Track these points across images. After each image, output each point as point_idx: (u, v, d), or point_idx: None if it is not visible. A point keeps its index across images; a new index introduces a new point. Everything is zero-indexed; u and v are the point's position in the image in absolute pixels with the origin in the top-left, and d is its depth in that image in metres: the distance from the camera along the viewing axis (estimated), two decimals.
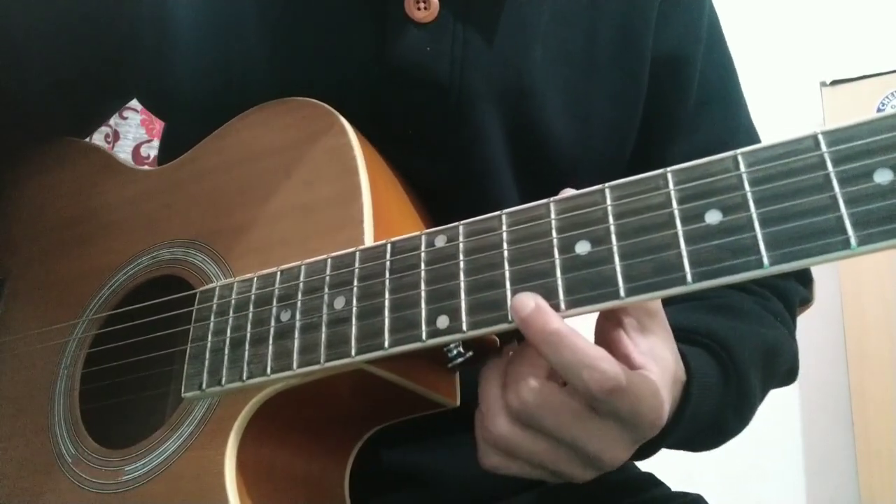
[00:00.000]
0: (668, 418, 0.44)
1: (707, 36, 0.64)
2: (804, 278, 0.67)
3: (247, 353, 0.46)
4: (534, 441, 0.41)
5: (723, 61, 0.67)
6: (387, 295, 0.43)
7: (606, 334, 0.42)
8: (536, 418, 0.41)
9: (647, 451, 0.48)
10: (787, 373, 0.62)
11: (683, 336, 0.51)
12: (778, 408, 1.73)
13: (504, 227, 0.41)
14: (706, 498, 0.60)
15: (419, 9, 0.54)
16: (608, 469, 0.43)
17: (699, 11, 0.64)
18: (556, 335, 0.37)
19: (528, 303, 0.38)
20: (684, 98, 0.63)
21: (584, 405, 0.40)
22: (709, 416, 0.51)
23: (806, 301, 0.66)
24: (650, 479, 0.65)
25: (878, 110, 1.70)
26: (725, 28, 0.68)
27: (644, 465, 0.67)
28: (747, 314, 0.59)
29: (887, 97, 1.72)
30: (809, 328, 1.79)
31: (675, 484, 0.64)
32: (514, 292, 0.39)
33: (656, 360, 0.42)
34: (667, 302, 0.43)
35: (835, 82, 1.80)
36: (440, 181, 0.57)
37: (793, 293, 0.64)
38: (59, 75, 0.65)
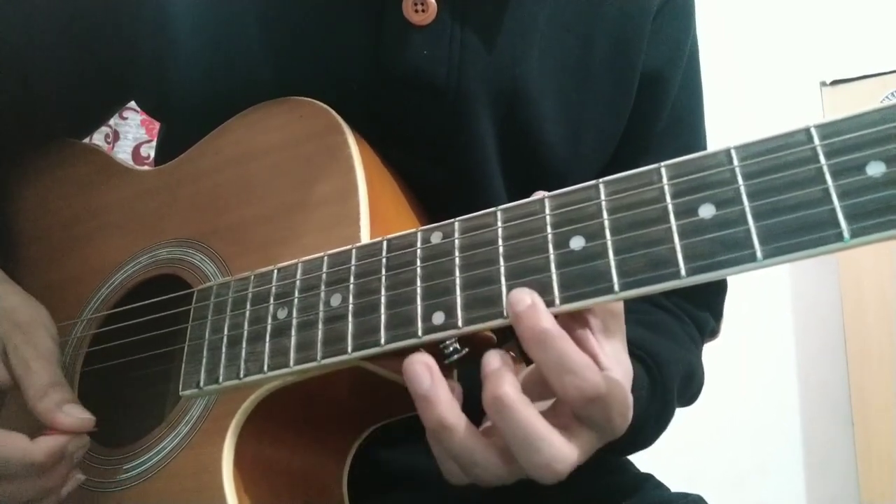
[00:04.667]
0: None
1: (687, 59, 0.65)
2: (716, 313, 0.69)
3: (244, 351, 0.46)
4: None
5: (695, 87, 0.68)
6: (383, 292, 0.43)
7: (572, 333, 0.42)
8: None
9: None
10: (692, 395, 0.64)
11: None
12: (778, 408, 1.74)
13: (499, 224, 0.41)
14: (706, 498, 0.60)
15: (416, 11, 0.54)
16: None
17: (686, 33, 0.65)
18: (544, 335, 0.37)
19: (525, 299, 0.38)
20: (658, 117, 0.64)
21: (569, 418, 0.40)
22: (634, 426, 0.51)
23: (714, 333, 0.69)
24: (650, 480, 0.65)
25: None
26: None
27: (644, 466, 0.67)
28: (675, 335, 0.60)
29: (887, 97, 1.72)
30: (809, 328, 1.79)
31: (676, 484, 0.64)
32: (509, 288, 0.39)
33: (620, 363, 0.42)
34: None
35: (835, 82, 1.80)
36: (436, 181, 0.58)
37: (706, 324, 0.66)
38: (61, 80, 0.65)
